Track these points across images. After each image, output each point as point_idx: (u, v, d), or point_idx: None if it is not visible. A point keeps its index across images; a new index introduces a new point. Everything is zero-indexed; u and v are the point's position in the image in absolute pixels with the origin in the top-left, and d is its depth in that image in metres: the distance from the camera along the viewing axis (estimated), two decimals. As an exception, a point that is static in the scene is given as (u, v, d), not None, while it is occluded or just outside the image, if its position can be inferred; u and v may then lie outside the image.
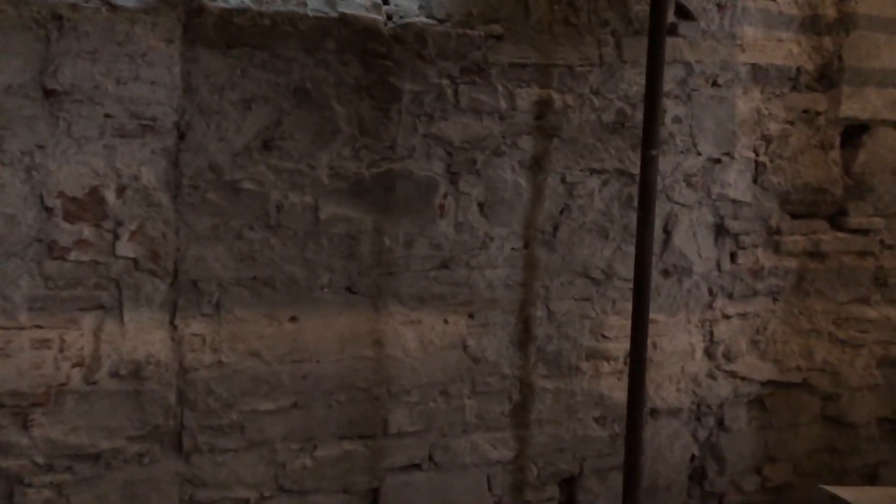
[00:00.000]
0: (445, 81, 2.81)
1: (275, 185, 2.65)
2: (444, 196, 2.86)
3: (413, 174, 2.82)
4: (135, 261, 2.52)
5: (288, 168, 2.66)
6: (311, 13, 2.62)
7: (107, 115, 2.44)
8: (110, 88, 2.43)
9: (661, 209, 3.10)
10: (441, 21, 2.78)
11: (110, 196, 2.47)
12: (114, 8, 2.41)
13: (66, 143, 2.40)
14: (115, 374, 2.52)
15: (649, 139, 2.57)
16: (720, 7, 3.14)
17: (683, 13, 3.10)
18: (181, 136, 2.53)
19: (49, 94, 2.37)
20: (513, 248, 2.98)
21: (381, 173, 2.77)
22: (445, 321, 2.92)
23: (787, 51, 3.27)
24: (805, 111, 3.32)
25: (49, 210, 2.39)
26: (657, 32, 2.52)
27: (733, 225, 3.26)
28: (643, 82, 2.98)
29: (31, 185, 2.37)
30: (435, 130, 2.82)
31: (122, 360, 2.53)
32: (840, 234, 3.41)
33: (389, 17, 2.73)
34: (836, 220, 3.42)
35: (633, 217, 3.07)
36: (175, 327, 2.59)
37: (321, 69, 2.66)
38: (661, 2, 2.52)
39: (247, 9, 2.55)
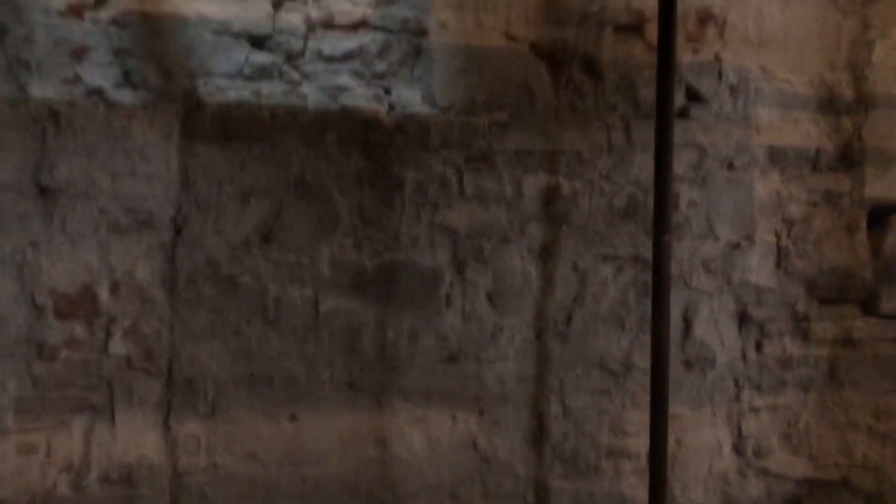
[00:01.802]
0: (450, 170, 2.75)
1: (273, 279, 2.57)
2: (450, 286, 2.76)
3: (417, 264, 2.72)
4: (128, 359, 2.44)
5: (287, 261, 2.58)
6: (311, 106, 2.60)
7: (102, 211, 2.40)
8: (106, 184, 2.40)
9: (679, 297, 2.96)
10: (444, 110, 2.74)
11: (103, 293, 2.41)
12: (111, 105, 2.41)
13: (60, 239, 2.36)
14: (105, 480, 2.42)
15: (661, 225, 2.46)
16: (733, 89, 3.07)
17: (695, 96, 3.03)
18: (178, 231, 2.48)
19: (44, 190, 2.35)
20: (524, 340, 2.85)
21: (383, 264, 2.69)
22: (454, 418, 2.77)
23: (805, 132, 3.16)
24: (827, 193, 3.19)
25: (40, 308, 2.34)
26: (664, 116, 2.44)
27: (757, 312, 3.10)
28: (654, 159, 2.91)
29: (23, 284, 2.33)
30: (439, 219, 2.74)
31: (113, 465, 2.42)
32: (873, 321, 3.22)
33: (391, 108, 2.70)
34: (868, 305, 3.23)
35: (649, 305, 2.93)
36: (169, 429, 2.48)
37: (322, 161, 2.61)
38: (667, 86, 2.45)
39: (246, 103, 2.54)
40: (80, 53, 2.39)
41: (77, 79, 2.39)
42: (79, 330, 2.38)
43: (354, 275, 2.65)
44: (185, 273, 2.49)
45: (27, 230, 2.33)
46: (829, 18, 3.19)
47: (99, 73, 2.41)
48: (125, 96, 2.43)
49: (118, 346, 2.42)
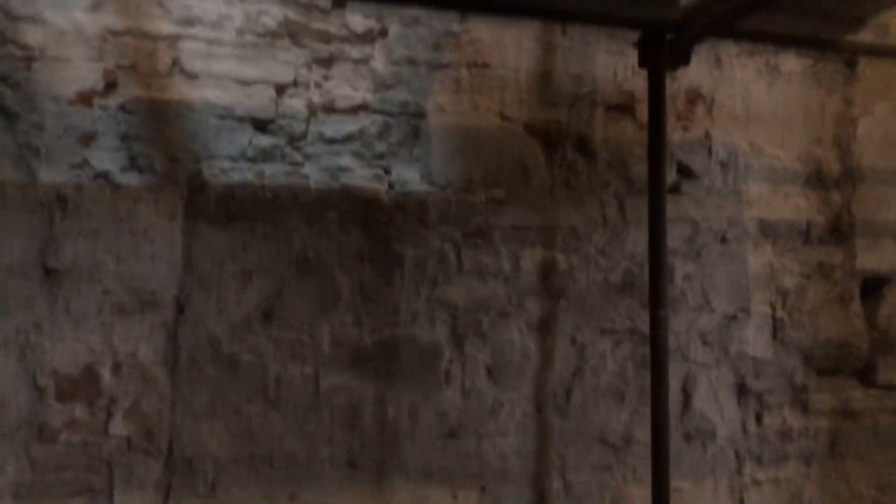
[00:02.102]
0: (448, 245, 2.80)
1: (274, 357, 2.59)
2: (450, 361, 2.78)
3: (416, 339, 2.75)
4: (128, 440, 2.43)
5: (288, 338, 2.61)
6: (313, 186, 2.66)
7: (106, 292, 2.43)
8: (111, 265, 2.44)
9: (678, 369, 2.98)
10: (442, 188, 2.81)
11: (105, 373, 2.42)
12: (117, 187, 2.47)
13: (64, 320, 2.38)
14: (101, 563, 2.37)
15: (657, 299, 2.50)
16: (723, 165, 3.15)
17: (686, 172, 3.11)
18: (180, 310, 2.51)
19: (49, 272, 2.38)
20: (524, 415, 2.85)
21: (383, 340, 2.71)
22: (454, 496, 2.75)
23: (796, 205, 3.24)
24: (820, 265, 3.24)
25: (41, 390, 2.34)
26: (657, 196, 2.50)
27: (756, 384, 3.11)
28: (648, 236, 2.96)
29: (25, 365, 2.34)
30: (438, 294, 2.78)
31: (110, 548, 2.38)
32: (871, 392, 3.23)
33: (391, 186, 2.76)
34: (865, 376, 3.25)
35: (648, 378, 2.95)
36: (167, 510, 2.46)
37: (323, 238, 2.66)
38: (658, 164, 2.52)
39: (249, 183, 2.60)
40: (88, 139, 2.46)
41: (85, 163, 2.45)
42: (80, 411, 2.38)
43: (355, 351, 2.67)
44: (187, 352, 2.50)
45: (31, 312, 2.35)
46: (813, 96, 3.30)
47: (106, 158, 2.47)
48: (131, 179, 2.49)
49: (119, 427, 2.42)
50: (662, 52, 2.51)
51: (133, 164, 2.50)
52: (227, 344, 2.54)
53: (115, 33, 2.51)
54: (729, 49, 3.17)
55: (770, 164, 3.22)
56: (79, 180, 2.44)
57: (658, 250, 2.51)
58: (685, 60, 2.56)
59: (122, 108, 2.50)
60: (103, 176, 2.47)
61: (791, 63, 3.27)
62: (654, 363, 2.52)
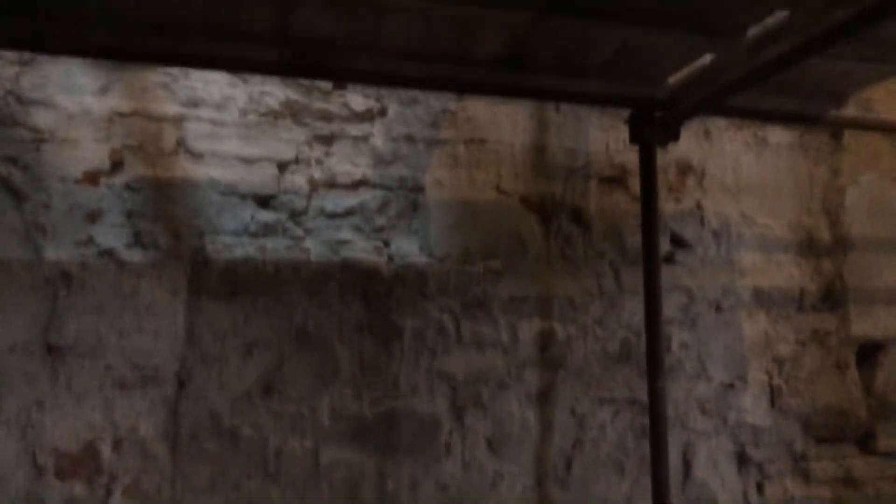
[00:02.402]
0: (447, 316, 2.83)
1: (274, 431, 2.59)
2: (450, 433, 2.78)
3: (416, 411, 2.75)
4: (126, 517, 2.41)
5: (288, 412, 2.61)
6: (314, 259, 2.71)
7: (108, 368, 2.45)
8: (113, 341, 2.46)
9: (677, 439, 2.99)
10: (441, 260, 2.86)
11: (106, 450, 2.42)
12: (122, 264, 2.51)
13: (65, 397, 2.40)
14: None
15: (655, 370, 2.52)
16: (715, 234, 3.21)
17: (679, 242, 3.17)
18: (181, 385, 2.52)
19: (52, 349, 2.40)
20: (524, 487, 2.84)
21: (383, 412, 2.72)
22: (455, 572, 2.72)
23: (788, 273, 3.29)
24: (815, 332, 3.27)
25: (41, 469, 2.34)
26: (651, 267, 2.55)
27: (755, 453, 3.11)
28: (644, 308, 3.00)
29: (25, 444, 2.34)
30: (438, 365, 2.80)
31: None
32: (871, 459, 3.23)
33: (390, 259, 2.81)
34: (865, 443, 3.25)
35: (647, 448, 2.95)
36: (164, 590, 2.42)
37: (323, 311, 2.69)
38: (651, 237, 2.57)
39: (251, 258, 2.64)
40: (93, 217, 2.52)
41: (90, 240, 2.50)
42: (79, 489, 2.37)
43: (355, 424, 2.68)
44: (188, 427, 2.51)
45: (33, 389, 2.37)
46: (801, 166, 3.39)
47: (111, 235, 2.52)
48: (135, 256, 2.54)
49: (117, 504, 2.41)
50: (652, 128, 2.59)
51: (137, 240, 2.55)
52: (227, 418, 2.55)
53: (123, 115, 2.59)
54: (718, 122, 3.27)
55: (762, 234, 3.29)
56: (84, 257, 2.48)
57: (654, 322, 2.54)
58: (674, 137, 2.64)
59: (127, 186, 2.56)
60: (108, 253, 2.51)
61: (778, 135, 3.37)
62: (653, 433, 2.52)
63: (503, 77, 2.41)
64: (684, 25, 2.07)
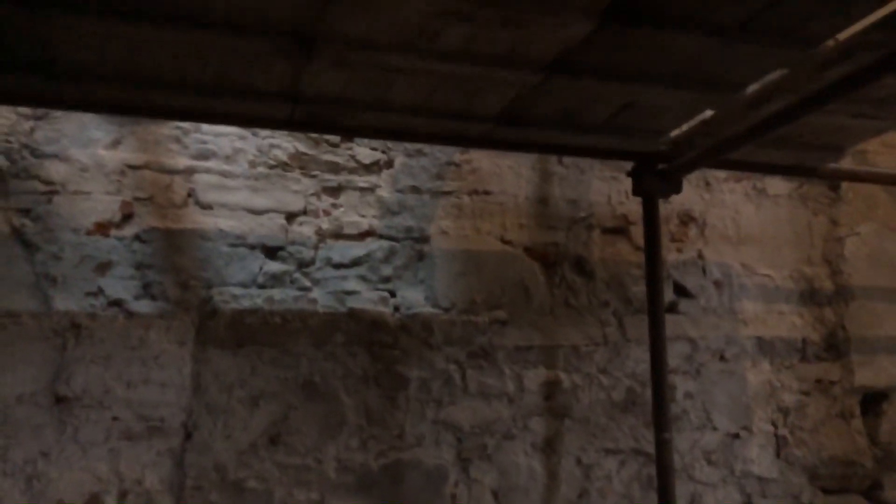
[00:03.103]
0: (452, 367, 2.84)
1: (280, 482, 2.58)
2: (456, 485, 2.77)
3: (422, 463, 2.75)
4: (130, 572, 2.39)
5: (294, 464, 2.61)
6: (321, 310, 2.73)
7: (115, 419, 2.45)
8: (120, 392, 2.47)
9: (684, 489, 2.98)
10: (446, 310, 2.88)
11: (110, 502, 2.41)
12: (130, 315, 2.53)
13: (71, 449, 2.39)
14: None
15: (661, 422, 2.52)
16: (717, 284, 3.24)
17: (682, 291, 3.20)
18: (188, 436, 2.52)
19: (60, 400, 2.41)
20: (531, 539, 2.82)
21: (389, 464, 2.71)
22: None
23: (791, 323, 3.31)
24: (818, 381, 3.28)
25: (45, 521, 2.32)
26: (656, 318, 2.57)
27: None
28: (649, 359, 3.02)
29: (31, 496, 2.33)
30: (443, 416, 2.80)
31: None
32: (879, 510, 3.21)
33: (396, 309, 2.83)
34: (872, 494, 3.24)
35: (654, 499, 2.94)
36: None
37: (329, 362, 2.71)
38: (656, 288, 2.60)
39: (258, 309, 2.66)
40: (103, 268, 2.55)
41: (100, 291, 2.52)
42: (83, 542, 2.35)
43: (360, 476, 2.67)
44: (193, 478, 2.50)
45: (40, 440, 2.37)
46: (800, 217, 3.43)
47: (120, 286, 2.55)
48: (144, 307, 2.56)
49: (121, 558, 2.39)
50: (655, 181, 2.64)
51: (146, 291, 2.57)
52: (233, 470, 2.54)
53: (134, 167, 2.64)
54: (718, 173, 3.33)
55: (763, 283, 3.32)
56: (93, 308, 2.50)
57: (660, 372, 2.55)
58: (676, 189, 2.69)
59: (137, 237, 2.59)
60: (117, 304, 2.53)
61: (777, 186, 3.42)
62: (661, 485, 2.51)
63: (507, 132, 2.46)
64: (686, 83, 2.12)
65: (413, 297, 2.87)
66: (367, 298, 2.80)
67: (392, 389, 2.76)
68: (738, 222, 3.34)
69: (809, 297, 3.35)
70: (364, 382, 2.73)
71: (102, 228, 2.57)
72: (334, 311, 2.75)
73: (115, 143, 2.64)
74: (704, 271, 3.24)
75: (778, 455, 3.17)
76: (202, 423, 2.54)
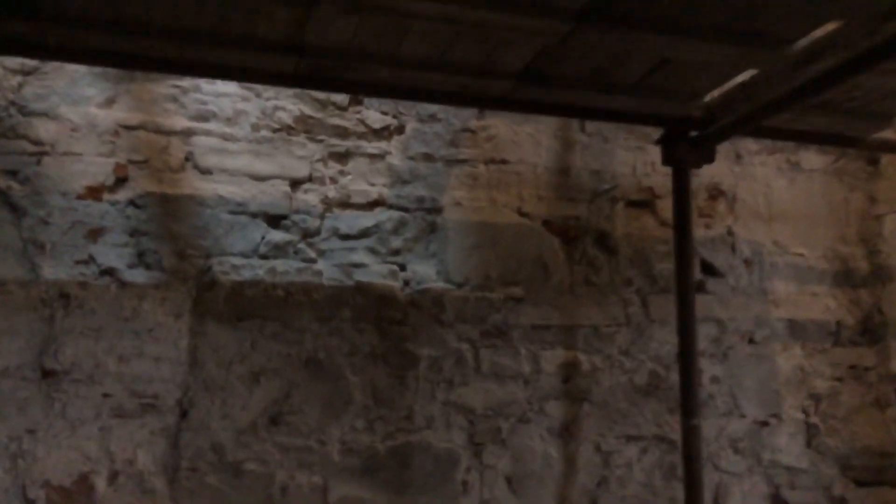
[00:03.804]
0: (465, 345, 2.68)
1: (281, 465, 2.43)
2: (467, 470, 2.61)
3: (432, 446, 2.59)
4: (121, 557, 2.25)
5: (296, 445, 2.45)
6: (326, 282, 2.56)
7: (105, 395, 2.30)
8: (112, 366, 2.31)
9: (708, 479, 2.80)
10: (459, 285, 2.71)
11: (100, 483, 2.26)
12: (123, 284, 2.37)
13: (59, 426, 2.24)
14: None
15: (689, 408, 2.35)
16: (747, 263, 3.06)
17: (710, 270, 3.02)
18: (183, 415, 2.37)
19: (47, 374, 2.26)
20: (546, 529, 2.66)
21: (396, 446, 2.55)
22: None
23: (824, 305, 3.12)
24: (852, 367, 3.10)
25: (31, 502, 2.18)
26: (685, 298, 2.39)
27: (791, 496, 2.92)
28: (674, 341, 2.84)
29: (15, 475, 2.18)
30: (455, 397, 2.64)
31: None
32: (916, 505, 3.04)
33: (406, 283, 2.66)
34: (908, 487, 3.06)
35: (677, 488, 2.77)
36: None
37: (335, 338, 2.54)
38: (686, 265, 2.42)
39: (260, 280, 2.50)
40: (95, 234, 2.38)
41: (91, 259, 2.37)
42: (70, 525, 2.21)
43: (366, 459, 2.51)
44: (188, 459, 2.35)
45: (26, 417, 2.22)
46: (835, 193, 3.24)
47: (113, 254, 2.39)
48: (138, 276, 2.40)
49: (111, 542, 2.24)
50: (686, 149, 2.45)
51: (140, 260, 2.41)
52: (231, 451, 2.39)
53: (129, 128, 2.47)
54: (749, 145, 3.13)
55: (795, 263, 3.13)
56: (83, 277, 2.35)
57: (689, 355, 2.38)
58: (709, 158, 2.50)
59: (131, 202, 2.43)
60: (109, 272, 2.37)
61: (812, 160, 3.22)
62: (687, 474, 2.34)
63: (529, 92, 2.27)
64: (729, 37, 1.93)
65: (424, 272, 2.70)
66: (375, 272, 2.63)
67: (401, 368, 2.60)
68: (770, 197, 3.15)
69: (844, 277, 3.16)
70: (371, 360, 2.57)
71: (94, 192, 2.41)
72: (340, 285, 2.58)
73: (109, 102, 2.47)
74: (734, 249, 3.05)
75: (808, 444, 3.00)
76: (199, 400, 2.38)
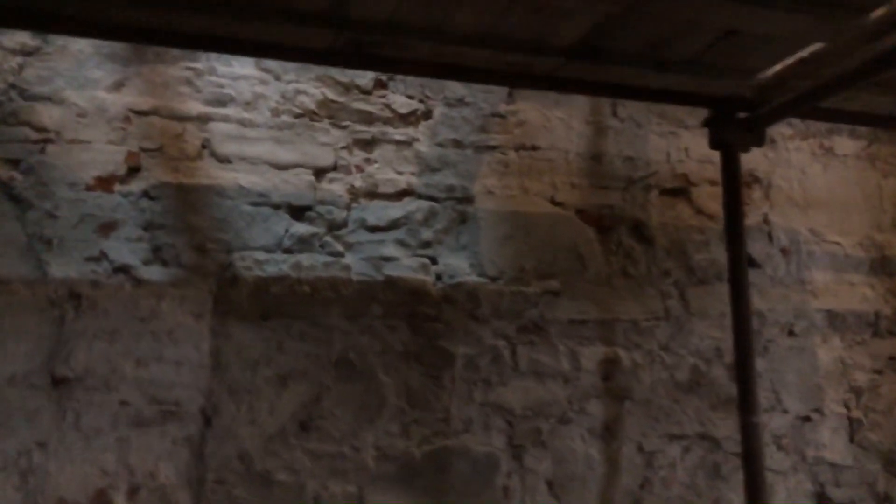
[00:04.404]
0: (501, 342, 2.52)
1: (312, 474, 2.26)
2: (508, 475, 2.46)
3: (470, 450, 2.43)
4: (142, 579, 2.06)
5: (328, 452, 2.28)
6: (355, 277, 2.39)
7: (122, 403, 2.11)
8: (129, 371, 2.13)
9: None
10: (493, 279, 2.55)
11: (119, 499, 2.07)
12: (139, 282, 2.18)
13: (72, 438, 2.05)
14: None
15: (747, 404, 2.22)
16: (784, 252, 2.94)
17: (748, 260, 2.88)
18: (207, 422, 2.19)
19: (58, 381, 2.06)
20: (588, 535, 2.52)
21: (433, 451, 2.39)
22: None
23: (862, 295, 3.02)
24: (891, 358, 3.00)
25: (44, 522, 1.99)
26: (740, 290, 2.26)
27: (836, 493, 2.81)
28: (715, 335, 2.74)
29: (26, 493, 1.99)
30: (493, 398, 2.48)
31: None
32: (963, 500, 2.94)
33: (438, 277, 2.50)
34: (953, 481, 2.97)
35: (721, 489, 2.66)
36: None
37: (366, 336, 2.38)
38: (738, 256, 2.28)
39: (285, 276, 2.32)
40: (106, 229, 2.19)
41: (102, 256, 2.17)
42: (89, 546, 2.02)
43: (402, 465, 2.35)
44: (214, 471, 2.17)
45: (36, 428, 2.02)
46: (868, 179, 3.14)
47: (126, 250, 2.20)
48: (154, 273, 2.21)
49: (132, 564, 2.06)
50: (736, 131, 2.32)
51: (157, 256, 2.23)
52: (259, 460, 2.21)
53: (141, 113, 2.28)
54: (782, 129, 3.02)
55: (832, 252, 3.02)
56: (95, 275, 2.15)
57: (745, 349, 2.25)
58: (759, 141, 2.37)
59: (145, 194, 2.24)
60: (123, 270, 2.18)
61: (846, 145, 3.12)
62: (748, 478, 2.20)
63: (576, 70, 2.12)
64: (804, 5, 1.80)
65: (456, 265, 2.54)
66: (405, 266, 2.47)
67: (436, 368, 2.44)
68: (805, 184, 3.04)
69: (881, 266, 3.06)
70: (404, 359, 2.41)
71: (105, 183, 2.22)
72: (370, 280, 2.41)
73: (118, 85, 2.28)
74: (770, 237, 2.93)
75: (851, 440, 2.89)
76: (223, 406, 2.20)
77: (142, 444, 2.11)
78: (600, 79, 2.19)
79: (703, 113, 2.87)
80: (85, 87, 2.24)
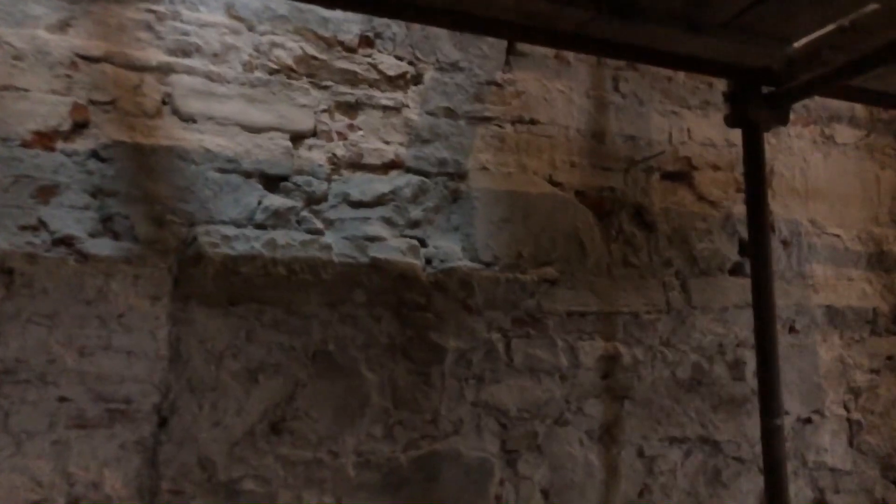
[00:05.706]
0: (496, 335, 2.27)
1: (285, 483, 1.97)
2: (500, 483, 2.21)
3: (461, 455, 2.18)
4: None
5: (303, 458, 1.99)
6: (336, 259, 2.10)
7: (62, 399, 1.78)
8: (70, 363, 1.79)
9: (751, 484, 2.53)
10: (487, 265, 2.30)
11: (56, 514, 1.74)
12: (84, 258, 1.84)
13: (2, 441, 1.71)
14: None
15: (770, 405, 2.02)
16: (785, 244, 2.78)
17: (747, 251, 2.71)
18: (162, 423, 1.87)
19: (-16, 374, 1.71)
20: (584, 547, 2.29)
21: (421, 457, 2.13)
22: None
23: (861, 290, 2.88)
24: (889, 358, 2.87)
25: (-38, 544, 1.64)
26: (763, 287, 2.07)
27: (836, 500, 2.66)
28: (717, 331, 2.56)
29: (-59, 508, 1.64)
30: (486, 397, 2.23)
31: None
32: (962, 507, 2.84)
33: (428, 261, 2.23)
34: (953, 488, 2.86)
35: (722, 496, 2.48)
36: None
37: (347, 326, 2.09)
38: (762, 249, 2.09)
39: (256, 255, 2.02)
40: (46, 193, 1.85)
41: (40, 225, 1.83)
42: (17, 571, 1.68)
43: (386, 472, 2.08)
44: (170, 479, 1.85)
45: (-45, 430, 1.67)
46: (867, 170, 3.01)
47: (70, 219, 1.86)
48: (103, 248, 1.87)
49: (70, 590, 1.73)
50: (761, 107, 2.13)
51: (106, 227, 1.89)
52: (223, 467, 1.91)
53: (90, 60, 1.94)
54: (785, 115, 2.85)
55: (832, 244, 2.87)
56: (31, 248, 1.81)
57: (768, 348, 2.06)
58: (783, 119, 2.19)
59: (94, 154, 1.90)
60: (65, 242, 1.84)
61: (845, 133, 2.98)
62: (770, 486, 2.02)
63: (604, 27, 1.88)
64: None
65: (448, 248, 2.27)
66: (392, 247, 2.19)
67: (424, 363, 2.17)
68: (806, 172, 2.88)
69: (878, 260, 2.93)
70: (390, 353, 2.13)
71: (45, 139, 1.87)
72: (353, 262, 2.13)
73: (63, 25, 1.92)
74: (773, 228, 2.76)
75: (851, 443, 2.75)
76: (182, 404, 1.89)
77: (84, 449, 1.78)
78: (627, 40, 1.95)
79: (706, 92, 2.69)
80: (23, 24, 1.88)
